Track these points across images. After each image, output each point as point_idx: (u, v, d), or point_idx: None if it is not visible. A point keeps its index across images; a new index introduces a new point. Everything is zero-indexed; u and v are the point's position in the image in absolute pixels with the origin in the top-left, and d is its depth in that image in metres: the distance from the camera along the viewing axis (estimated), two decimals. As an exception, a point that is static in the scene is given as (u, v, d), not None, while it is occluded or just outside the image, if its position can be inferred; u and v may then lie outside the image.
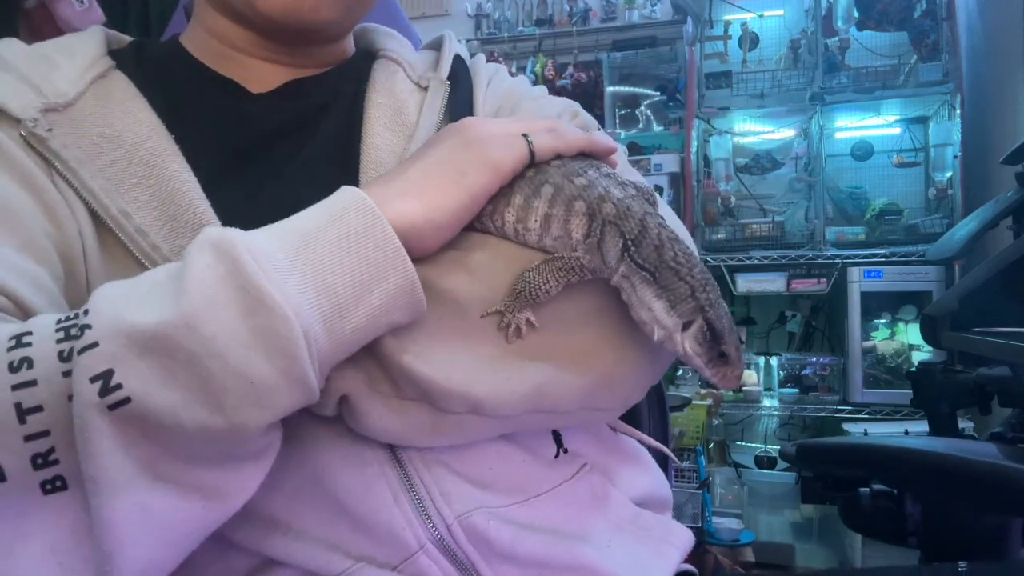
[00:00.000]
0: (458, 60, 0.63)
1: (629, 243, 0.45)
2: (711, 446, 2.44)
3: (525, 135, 0.49)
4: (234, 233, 0.39)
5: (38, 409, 0.36)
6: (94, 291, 0.39)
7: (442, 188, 0.45)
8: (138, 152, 0.51)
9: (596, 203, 0.47)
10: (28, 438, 0.36)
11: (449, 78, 0.61)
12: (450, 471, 0.48)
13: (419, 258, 0.44)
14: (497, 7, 3.10)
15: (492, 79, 0.64)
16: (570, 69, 2.92)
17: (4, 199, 0.46)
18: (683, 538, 0.60)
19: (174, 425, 0.36)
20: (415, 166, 0.47)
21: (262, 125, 0.57)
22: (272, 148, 0.56)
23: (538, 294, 0.46)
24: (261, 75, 0.59)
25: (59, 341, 0.37)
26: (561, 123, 0.52)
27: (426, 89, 0.60)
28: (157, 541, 0.38)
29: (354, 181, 0.52)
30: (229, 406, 0.36)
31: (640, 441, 0.65)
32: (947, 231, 2.06)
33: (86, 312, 0.37)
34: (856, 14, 2.50)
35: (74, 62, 0.54)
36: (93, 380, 0.35)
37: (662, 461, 0.72)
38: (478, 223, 0.49)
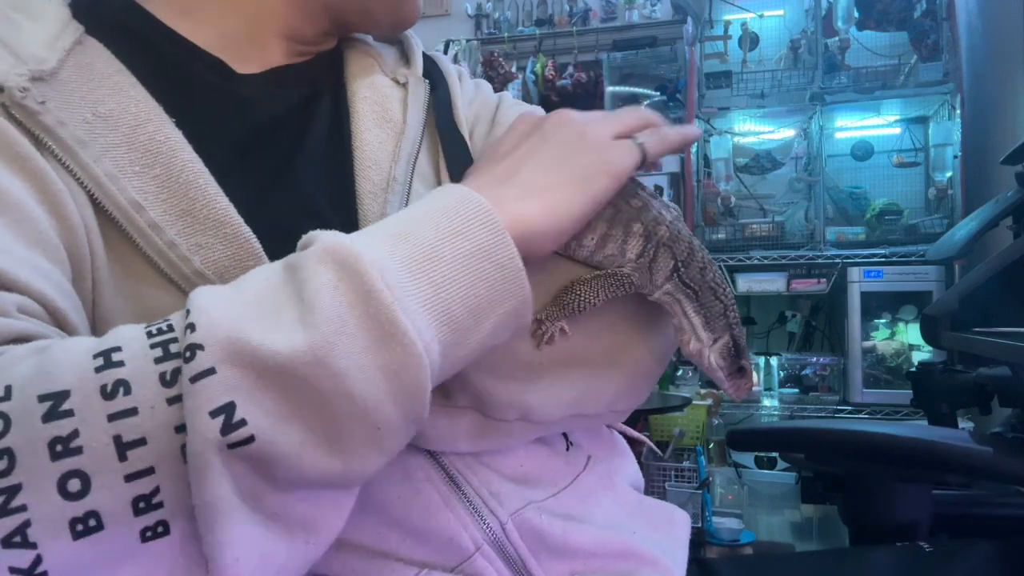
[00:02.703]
0: (425, 57, 0.63)
1: (679, 264, 0.48)
2: (711, 446, 2.44)
3: (634, 138, 0.48)
4: (353, 244, 0.35)
5: (140, 443, 0.31)
6: (191, 294, 0.34)
7: (565, 192, 0.43)
8: (138, 136, 0.45)
9: (652, 225, 0.48)
10: (130, 477, 0.31)
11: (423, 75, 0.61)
12: (492, 471, 0.48)
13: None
14: (497, 7, 3.10)
15: (461, 77, 0.64)
16: (570, 69, 2.92)
17: (2, 187, 0.40)
18: (685, 519, 0.61)
19: (293, 467, 0.32)
20: (530, 163, 0.44)
21: (257, 115, 0.53)
22: (269, 142, 0.52)
23: (585, 306, 0.46)
24: (249, 54, 0.54)
25: (158, 361, 0.32)
26: (654, 115, 0.50)
27: (404, 85, 0.59)
28: None
29: (350, 179, 0.51)
30: (351, 449, 0.33)
31: (623, 433, 0.66)
32: (947, 231, 2.05)
33: (191, 327, 0.32)
34: (856, 14, 2.50)
35: (40, 24, 0.46)
36: (214, 415, 0.31)
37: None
38: None
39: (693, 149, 2.61)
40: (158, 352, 0.32)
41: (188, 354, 0.31)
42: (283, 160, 0.52)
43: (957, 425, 1.55)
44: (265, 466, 0.32)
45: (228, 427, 0.31)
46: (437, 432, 0.45)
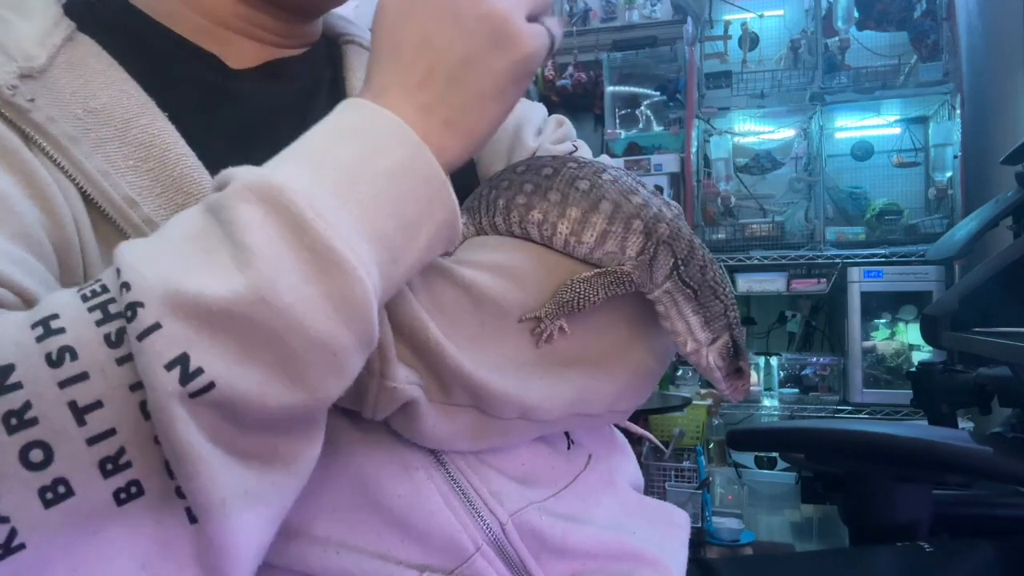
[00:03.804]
0: None
1: (679, 263, 0.47)
2: (711, 446, 2.44)
3: (541, 22, 0.42)
4: (275, 176, 0.34)
5: (97, 405, 0.31)
6: (116, 251, 0.33)
7: (483, 111, 0.41)
8: (130, 130, 0.44)
9: (652, 223, 0.48)
10: (92, 440, 0.30)
11: None
12: (493, 470, 0.48)
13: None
14: (497, 7, 3.09)
15: None
16: (570, 69, 2.92)
17: None
18: (684, 519, 0.61)
19: (257, 406, 0.32)
20: (442, 69, 0.40)
21: (253, 109, 0.52)
22: (265, 136, 0.50)
23: (584, 304, 0.46)
24: (240, 50, 0.53)
25: (100, 323, 0.31)
26: None
27: None
28: (264, 521, 0.34)
29: None
30: (312, 380, 0.33)
31: (626, 430, 0.66)
32: (947, 231, 2.06)
33: (125, 286, 0.31)
34: (856, 14, 2.50)
35: (31, 22, 0.46)
36: (169, 367, 0.30)
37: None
38: (519, 229, 0.49)
39: (693, 149, 2.61)
40: (98, 315, 0.32)
41: (129, 313, 0.31)
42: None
43: (957, 425, 1.55)
44: (230, 410, 0.32)
45: (186, 377, 0.30)
46: (437, 431, 0.44)
